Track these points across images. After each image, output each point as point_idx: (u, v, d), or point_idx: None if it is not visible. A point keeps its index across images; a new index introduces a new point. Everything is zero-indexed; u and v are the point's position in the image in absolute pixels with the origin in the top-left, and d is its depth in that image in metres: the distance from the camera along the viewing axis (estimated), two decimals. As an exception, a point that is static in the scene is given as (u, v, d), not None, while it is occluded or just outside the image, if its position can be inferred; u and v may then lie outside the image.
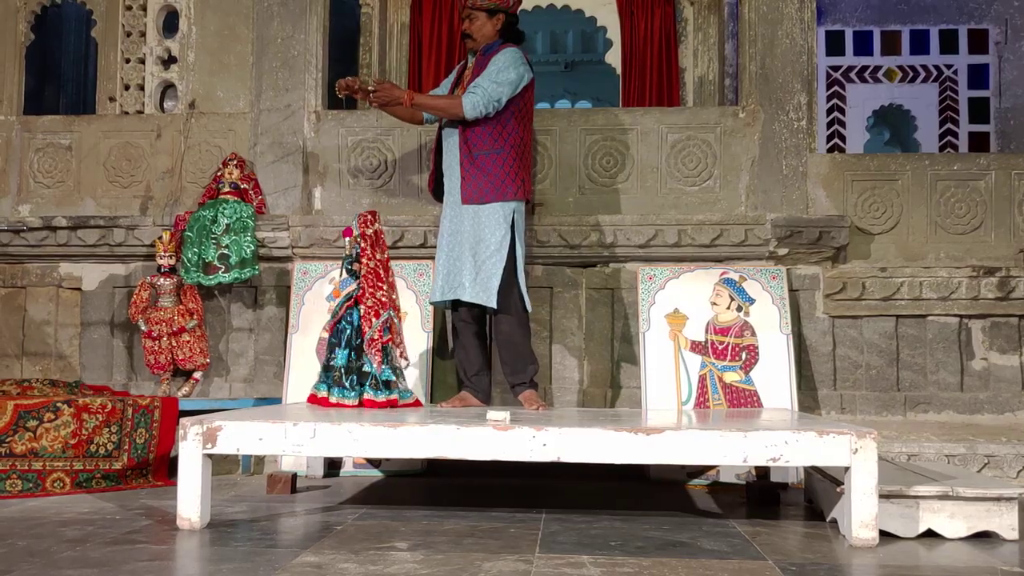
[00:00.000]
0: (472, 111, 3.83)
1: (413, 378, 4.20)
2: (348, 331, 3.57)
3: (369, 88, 3.89)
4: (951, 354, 4.48)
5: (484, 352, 4.10)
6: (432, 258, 4.45)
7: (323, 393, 3.55)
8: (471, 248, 3.86)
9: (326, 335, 4.24)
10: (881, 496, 2.79)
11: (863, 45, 7.52)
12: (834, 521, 3.00)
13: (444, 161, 4.04)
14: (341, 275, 3.67)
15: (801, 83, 4.59)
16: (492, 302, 3.81)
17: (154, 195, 4.85)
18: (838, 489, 2.90)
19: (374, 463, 4.16)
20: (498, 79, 3.85)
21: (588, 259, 4.56)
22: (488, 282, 3.82)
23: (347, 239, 3.65)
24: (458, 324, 4.05)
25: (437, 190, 4.14)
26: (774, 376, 4.11)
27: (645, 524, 3.05)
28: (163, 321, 4.44)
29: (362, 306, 3.56)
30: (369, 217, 3.66)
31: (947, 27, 7.44)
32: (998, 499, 2.91)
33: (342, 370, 3.53)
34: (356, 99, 4.02)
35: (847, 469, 2.76)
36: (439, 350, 4.48)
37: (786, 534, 2.97)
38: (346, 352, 3.56)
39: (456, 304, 4.00)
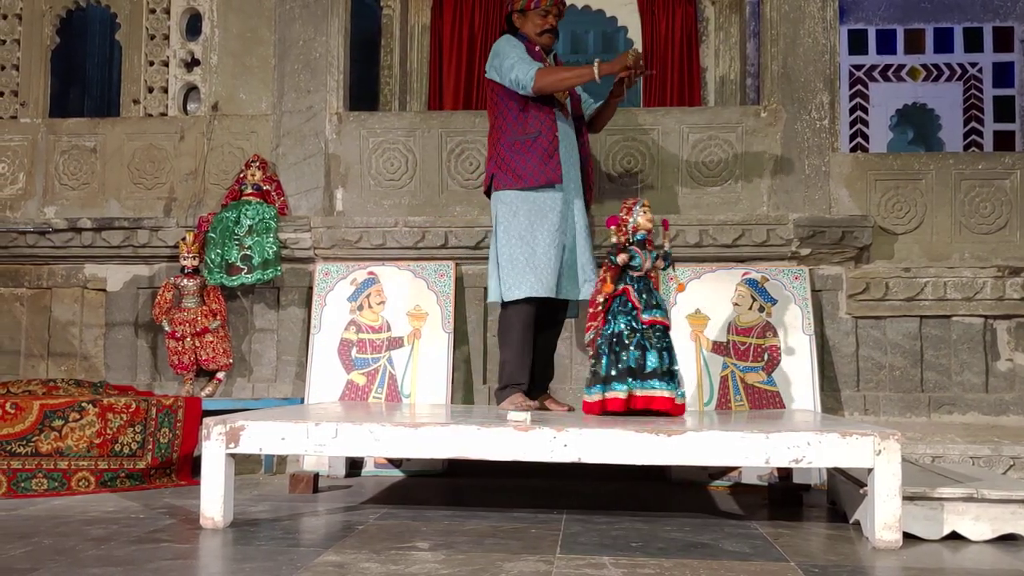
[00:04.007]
0: None
1: (436, 380, 4.21)
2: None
3: (642, 68, 3.97)
4: (976, 355, 4.43)
5: None
6: (451, 259, 4.47)
7: (669, 391, 3.25)
8: (586, 249, 3.91)
9: (354, 335, 4.29)
10: (905, 498, 2.76)
11: (886, 44, 7.47)
12: (857, 523, 2.98)
13: (563, 151, 3.88)
14: (651, 264, 3.50)
15: (823, 82, 4.56)
16: None
17: (177, 197, 4.89)
18: (861, 491, 2.88)
19: (395, 463, 4.17)
20: None
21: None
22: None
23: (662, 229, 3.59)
24: (528, 323, 3.77)
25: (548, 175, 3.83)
26: (796, 377, 4.08)
27: (666, 525, 3.04)
28: (186, 322, 4.47)
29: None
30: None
31: (971, 25, 7.37)
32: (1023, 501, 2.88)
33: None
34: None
35: (870, 470, 2.74)
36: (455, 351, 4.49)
37: (808, 536, 2.95)
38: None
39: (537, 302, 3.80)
